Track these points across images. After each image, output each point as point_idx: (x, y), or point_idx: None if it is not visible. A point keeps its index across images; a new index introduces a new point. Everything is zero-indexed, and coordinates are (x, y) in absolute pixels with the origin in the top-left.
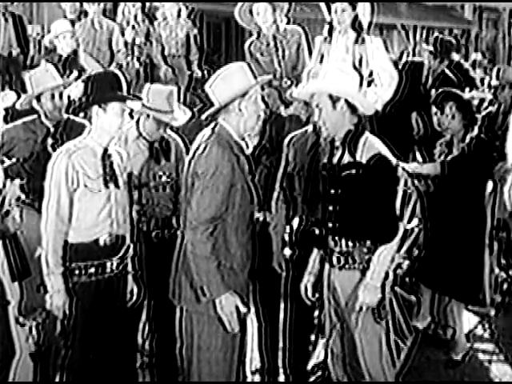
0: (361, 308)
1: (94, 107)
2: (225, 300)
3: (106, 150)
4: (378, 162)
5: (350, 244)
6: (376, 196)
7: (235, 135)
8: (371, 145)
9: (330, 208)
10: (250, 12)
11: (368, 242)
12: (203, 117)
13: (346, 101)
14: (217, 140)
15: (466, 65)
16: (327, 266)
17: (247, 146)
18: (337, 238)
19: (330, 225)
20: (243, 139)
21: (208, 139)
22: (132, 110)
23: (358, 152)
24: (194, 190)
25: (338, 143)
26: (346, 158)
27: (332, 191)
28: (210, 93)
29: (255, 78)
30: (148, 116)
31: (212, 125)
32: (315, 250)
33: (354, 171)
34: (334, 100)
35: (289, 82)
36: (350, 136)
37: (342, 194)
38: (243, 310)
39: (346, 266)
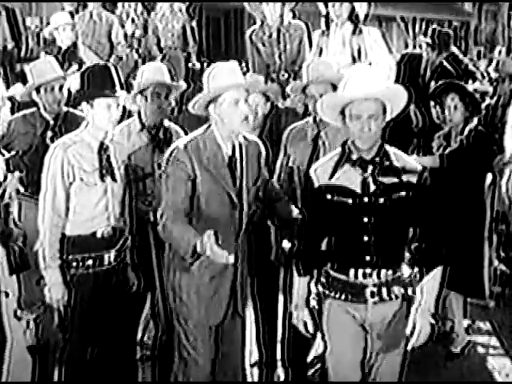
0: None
1: (83, 103)
2: (205, 237)
3: (102, 143)
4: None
5: (390, 273)
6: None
7: (220, 139)
8: None
9: (365, 238)
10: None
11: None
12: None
13: None
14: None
15: (466, 59)
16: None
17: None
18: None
19: (368, 258)
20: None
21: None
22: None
23: None
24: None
25: None
26: None
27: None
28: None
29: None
30: (146, 99)
31: (205, 126)
32: (301, 279)
33: None
34: None
35: (286, 75)
36: None
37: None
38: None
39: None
